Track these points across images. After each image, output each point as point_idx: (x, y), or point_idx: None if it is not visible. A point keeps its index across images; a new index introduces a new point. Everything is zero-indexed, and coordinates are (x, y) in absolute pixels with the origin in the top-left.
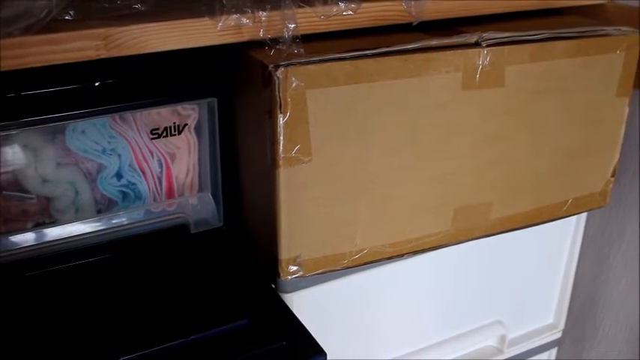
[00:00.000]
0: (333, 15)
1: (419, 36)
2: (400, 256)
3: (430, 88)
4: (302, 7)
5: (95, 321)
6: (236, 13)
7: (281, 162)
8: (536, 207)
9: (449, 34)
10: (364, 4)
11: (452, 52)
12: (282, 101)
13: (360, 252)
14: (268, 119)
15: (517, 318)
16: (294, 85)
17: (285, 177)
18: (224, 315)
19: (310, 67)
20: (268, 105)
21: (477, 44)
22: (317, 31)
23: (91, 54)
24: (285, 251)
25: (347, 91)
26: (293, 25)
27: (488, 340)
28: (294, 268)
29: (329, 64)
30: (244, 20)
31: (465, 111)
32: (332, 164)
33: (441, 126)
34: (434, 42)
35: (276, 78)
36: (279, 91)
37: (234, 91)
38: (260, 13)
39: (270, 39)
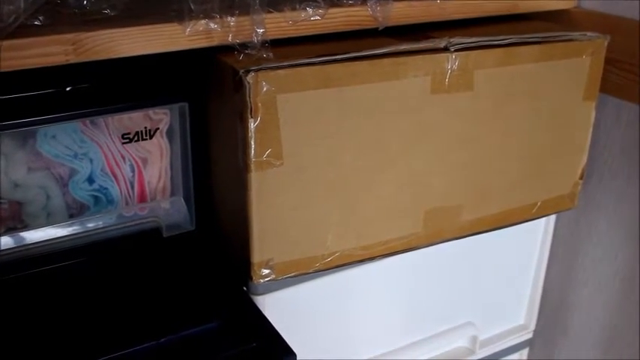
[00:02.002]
0: (301, 20)
1: (388, 41)
2: (371, 258)
3: (399, 92)
4: (271, 12)
5: (66, 325)
6: (204, 18)
7: (252, 166)
8: (506, 209)
9: (418, 39)
10: (331, 10)
11: (421, 56)
12: (252, 106)
13: (331, 255)
14: (239, 123)
15: (488, 319)
16: (264, 89)
17: (256, 181)
18: (195, 317)
19: (280, 72)
20: (239, 109)
21: (445, 49)
22: (286, 36)
23: (60, 59)
24: (257, 255)
25: (317, 95)
26: (262, 30)
27: (460, 341)
28: (267, 271)
29: (299, 69)
30: (213, 25)
31: (435, 115)
32: (303, 168)
33: (410, 129)
34: (403, 47)
35: (246, 83)
36: (249, 96)
37: (206, 95)
38: (229, 18)
39: (239, 44)
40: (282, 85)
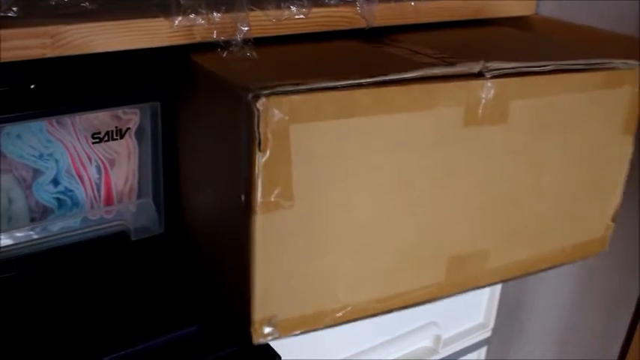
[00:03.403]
0: (285, 19)
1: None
2: (388, 312)
3: (429, 124)
4: (253, 9)
5: (32, 335)
6: (192, 13)
7: (258, 208)
8: (534, 255)
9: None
10: (315, 9)
11: (453, 83)
12: (261, 137)
13: (343, 309)
14: (244, 156)
15: (451, 318)
16: (276, 118)
17: (262, 225)
18: (172, 322)
19: (296, 97)
20: (243, 138)
21: (480, 75)
22: (267, 35)
23: (36, 53)
24: (258, 311)
25: (336, 126)
26: (246, 28)
27: (424, 341)
28: (269, 329)
29: (317, 94)
30: (200, 21)
31: (465, 150)
32: (316, 210)
33: (438, 167)
34: (435, 71)
35: (255, 110)
36: (258, 126)
37: (182, 96)
38: (214, 14)
39: (223, 41)
40: (297, 113)
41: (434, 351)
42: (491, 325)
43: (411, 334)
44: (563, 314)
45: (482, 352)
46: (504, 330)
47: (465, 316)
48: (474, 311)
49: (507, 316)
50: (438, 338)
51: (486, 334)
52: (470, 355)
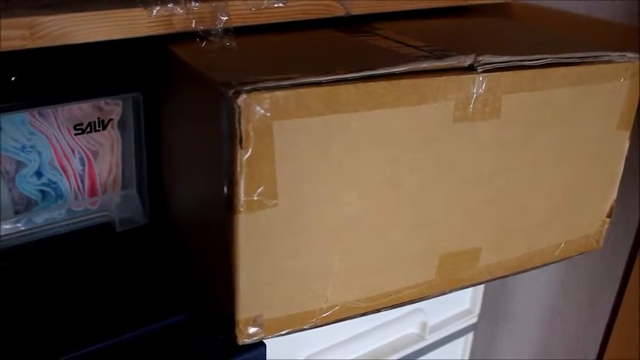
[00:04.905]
0: (264, 8)
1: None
2: (376, 311)
3: (418, 120)
4: None
5: (23, 325)
6: (170, 2)
7: (241, 207)
8: (527, 252)
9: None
10: None
11: (443, 77)
12: (243, 135)
13: (331, 309)
14: (226, 152)
15: (437, 304)
16: (258, 115)
17: (245, 225)
18: (160, 311)
19: (278, 93)
20: (223, 134)
21: (471, 68)
22: (246, 24)
23: (16, 44)
24: (243, 311)
25: (322, 122)
26: (225, 18)
27: (411, 328)
28: (254, 329)
29: (302, 89)
30: (178, 10)
31: (456, 146)
32: (301, 209)
33: (428, 164)
34: (424, 65)
35: (236, 107)
36: (239, 123)
37: (164, 87)
38: (192, 3)
39: (202, 31)
40: (280, 110)
41: (420, 337)
42: (477, 310)
43: (397, 321)
44: (548, 295)
45: (469, 337)
46: (490, 314)
47: (451, 303)
48: (459, 297)
49: (493, 299)
50: (424, 325)
51: (472, 319)
52: (456, 341)
